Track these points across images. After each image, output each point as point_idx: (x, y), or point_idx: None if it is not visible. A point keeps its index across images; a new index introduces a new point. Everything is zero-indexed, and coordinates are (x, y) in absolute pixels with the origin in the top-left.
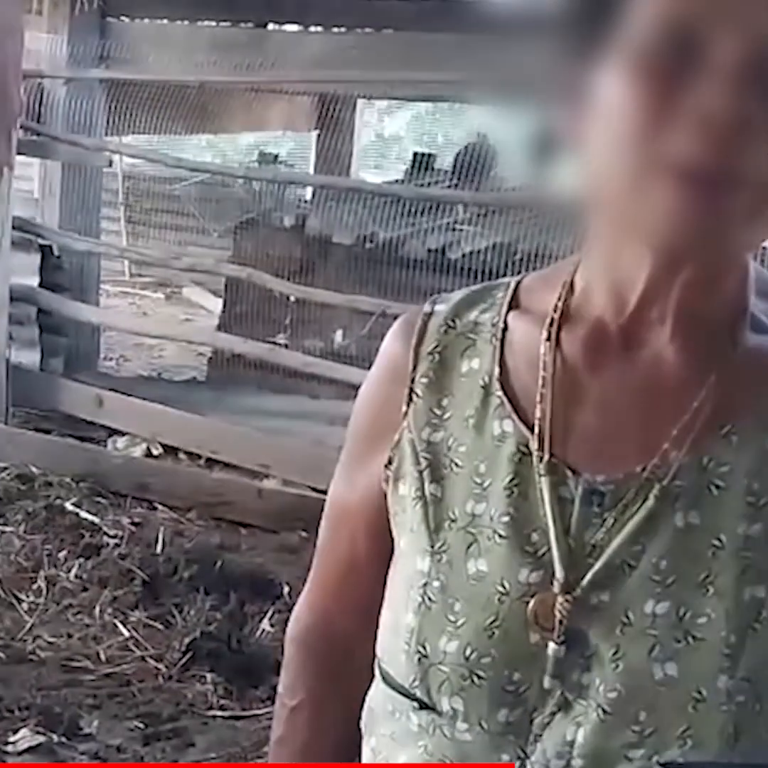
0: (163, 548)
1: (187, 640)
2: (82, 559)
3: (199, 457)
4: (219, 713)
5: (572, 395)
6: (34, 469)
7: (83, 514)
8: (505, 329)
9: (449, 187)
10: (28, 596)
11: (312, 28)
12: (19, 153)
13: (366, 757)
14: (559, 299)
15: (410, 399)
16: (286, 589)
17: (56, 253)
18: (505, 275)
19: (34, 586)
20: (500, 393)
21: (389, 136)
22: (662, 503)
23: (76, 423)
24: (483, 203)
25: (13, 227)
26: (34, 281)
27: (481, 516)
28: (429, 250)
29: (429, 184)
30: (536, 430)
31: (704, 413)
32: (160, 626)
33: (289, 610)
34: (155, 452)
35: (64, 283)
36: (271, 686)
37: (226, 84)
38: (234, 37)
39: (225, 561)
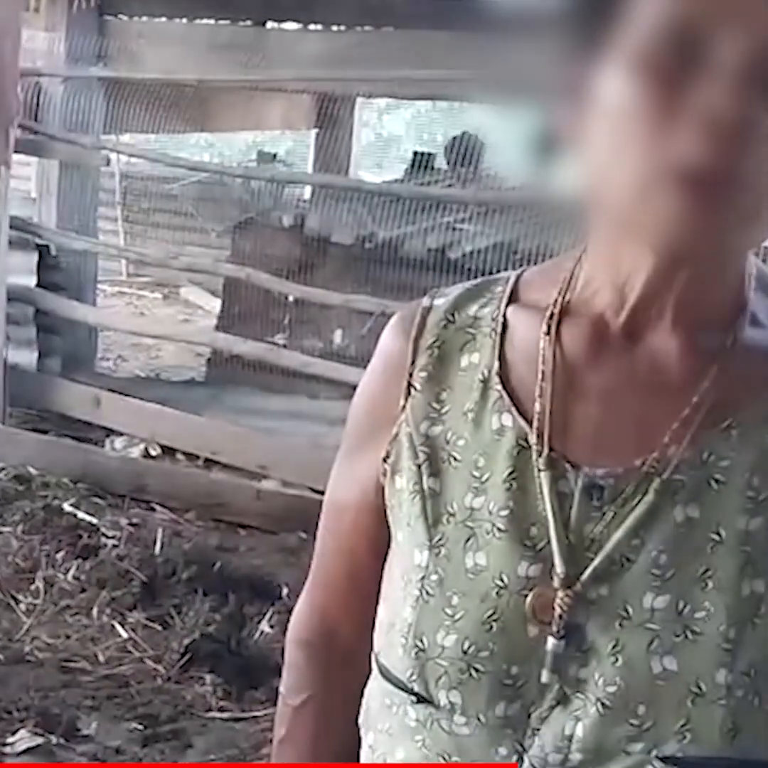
0: (161, 549)
1: (186, 642)
2: (80, 560)
3: (198, 457)
4: (218, 715)
5: (572, 389)
6: (31, 470)
7: (81, 515)
8: (504, 324)
9: (449, 185)
10: (25, 597)
11: (311, 27)
12: (16, 152)
13: (364, 754)
14: (559, 294)
15: (408, 393)
16: (285, 591)
17: (53, 252)
18: None
19: (32, 587)
20: (499, 387)
21: (388, 135)
22: (662, 497)
23: (73, 423)
24: (483, 202)
25: (10, 226)
26: (31, 281)
27: (479, 510)
28: (429, 250)
29: (429, 183)
30: (535, 424)
31: (704, 408)
32: (159, 627)
33: (289, 612)
34: (153, 453)
35: (62, 282)
36: (271, 688)
37: (224, 82)
38: (233, 35)
39: (224, 562)
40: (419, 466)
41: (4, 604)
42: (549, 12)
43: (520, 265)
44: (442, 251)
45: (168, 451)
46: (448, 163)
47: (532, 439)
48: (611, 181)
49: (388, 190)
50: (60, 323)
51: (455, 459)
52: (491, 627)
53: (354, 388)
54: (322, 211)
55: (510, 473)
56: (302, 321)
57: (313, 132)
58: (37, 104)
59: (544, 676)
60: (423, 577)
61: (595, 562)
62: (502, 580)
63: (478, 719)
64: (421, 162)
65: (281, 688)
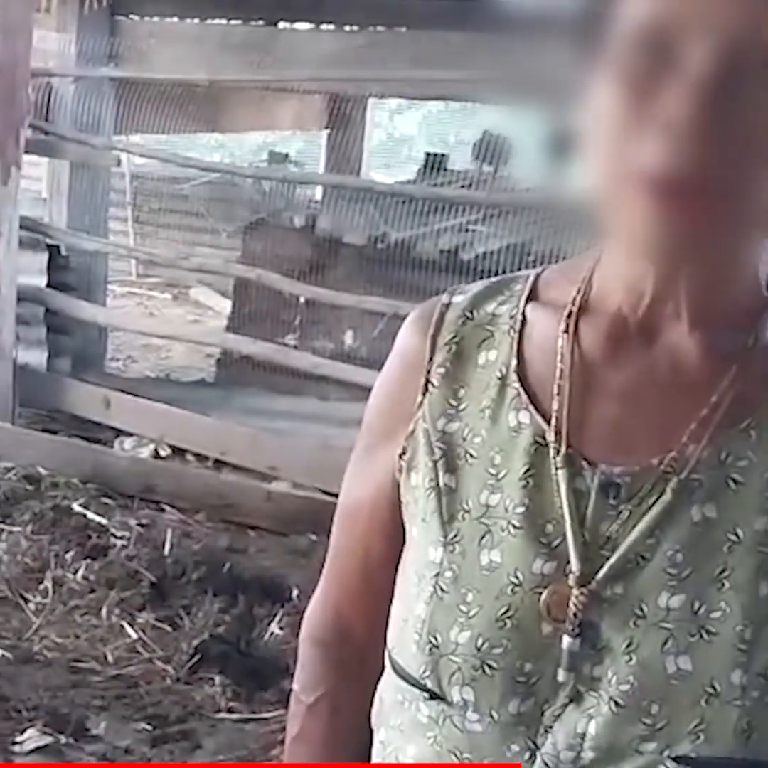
0: (171, 550)
1: (195, 642)
2: (89, 561)
3: (207, 458)
4: (227, 716)
5: (590, 387)
6: (41, 470)
7: (90, 515)
8: (523, 321)
9: (464, 186)
10: (34, 597)
11: (323, 27)
12: (26, 152)
13: (376, 751)
14: (578, 293)
15: (426, 389)
16: (295, 592)
17: (64, 252)
18: None
19: (41, 587)
20: (517, 384)
21: (400, 136)
22: (679, 496)
23: (83, 424)
24: (497, 204)
25: (21, 227)
26: (42, 281)
27: (495, 507)
28: (441, 251)
29: (441, 184)
30: (553, 421)
31: (723, 407)
32: (168, 628)
33: (299, 613)
34: (163, 453)
35: (72, 283)
36: (280, 689)
37: (235, 82)
38: (244, 35)
39: (233, 563)
40: (435, 463)
41: (14, 603)
42: (558, 13)
43: (534, 267)
44: (455, 253)
45: (178, 451)
46: (475, 158)
47: (550, 436)
48: (595, 186)
49: (400, 191)
50: (70, 323)
51: (471, 456)
52: (505, 624)
53: (365, 389)
54: (334, 211)
55: (526, 470)
56: (313, 322)
57: (325, 132)
58: (48, 104)
59: (560, 675)
60: (437, 574)
61: (611, 561)
62: (516, 578)
63: (491, 716)
64: (433, 163)
65: (294, 686)
